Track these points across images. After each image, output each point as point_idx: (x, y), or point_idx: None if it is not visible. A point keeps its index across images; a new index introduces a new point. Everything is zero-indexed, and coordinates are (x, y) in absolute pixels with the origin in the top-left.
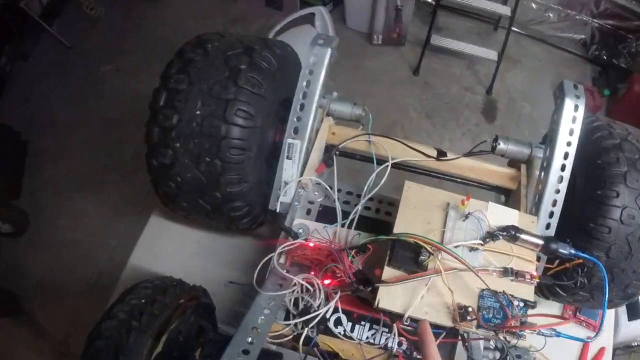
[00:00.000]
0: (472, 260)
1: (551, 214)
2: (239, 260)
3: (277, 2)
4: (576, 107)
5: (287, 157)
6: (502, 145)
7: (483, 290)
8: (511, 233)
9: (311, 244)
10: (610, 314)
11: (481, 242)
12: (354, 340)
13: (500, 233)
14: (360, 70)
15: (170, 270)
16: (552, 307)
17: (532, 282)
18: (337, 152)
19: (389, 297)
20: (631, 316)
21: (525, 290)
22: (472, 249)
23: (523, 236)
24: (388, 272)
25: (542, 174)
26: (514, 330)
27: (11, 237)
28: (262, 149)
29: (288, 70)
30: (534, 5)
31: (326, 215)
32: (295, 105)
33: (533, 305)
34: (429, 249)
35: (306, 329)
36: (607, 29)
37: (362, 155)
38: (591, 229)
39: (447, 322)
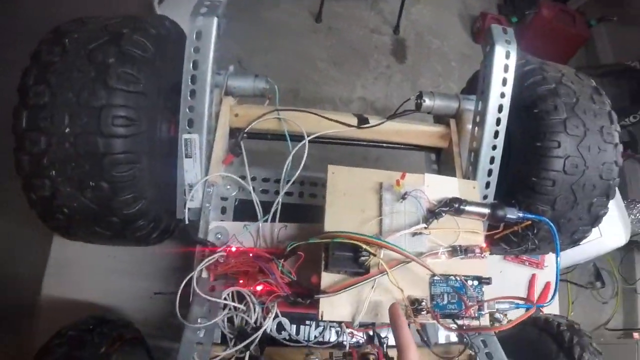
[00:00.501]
0: (418, 245)
1: (489, 172)
2: (160, 268)
3: None
4: (508, 54)
5: (186, 156)
6: (427, 102)
7: (434, 276)
8: (455, 207)
9: (233, 254)
10: None
11: (424, 224)
12: (302, 343)
13: (443, 209)
14: (259, 23)
15: (87, 293)
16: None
17: (482, 255)
18: (245, 136)
19: (333, 307)
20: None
21: (477, 266)
22: (415, 233)
23: (468, 208)
24: (327, 278)
25: (476, 129)
26: (471, 314)
27: None
28: (156, 153)
29: (171, 50)
30: None
31: (245, 210)
32: (184, 92)
33: (488, 281)
34: (369, 249)
35: (248, 352)
36: None
37: (274, 134)
38: (534, 183)
39: None
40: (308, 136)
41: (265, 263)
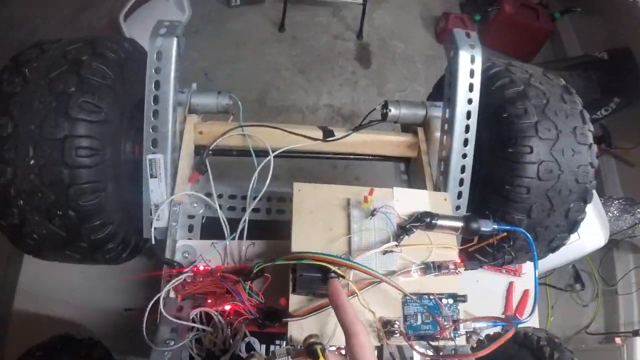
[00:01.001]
0: (389, 264)
1: (461, 182)
2: (131, 283)
3: None
4: (473, 59)
5: (151, 176)
6: (393, 111)
7: (406, 296)
8: (426, 221)
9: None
10: None
11: (395, 242)
12: None
13: (414, 225)
14: (224, 34)
15: (59, 309)
16: None
17: (457, 271)
18: (210, 154)
19: (302, 330)
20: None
21: (452, 283)
22: (386, 251)
23: (440, 222)
24: (295, 300)
25: (445, 137)
26: (447, 336)
27: None
28: (121, 176)
29: (133, 70)
30: None
31: (212, 227)
32: (147, 113)
33: (463, 299)
34: (337, 270)
35: None
36: None
37: (239, 150)
38: (508, 191)
39: (374, 342)
40: (273, 152)
41: (232, 285)
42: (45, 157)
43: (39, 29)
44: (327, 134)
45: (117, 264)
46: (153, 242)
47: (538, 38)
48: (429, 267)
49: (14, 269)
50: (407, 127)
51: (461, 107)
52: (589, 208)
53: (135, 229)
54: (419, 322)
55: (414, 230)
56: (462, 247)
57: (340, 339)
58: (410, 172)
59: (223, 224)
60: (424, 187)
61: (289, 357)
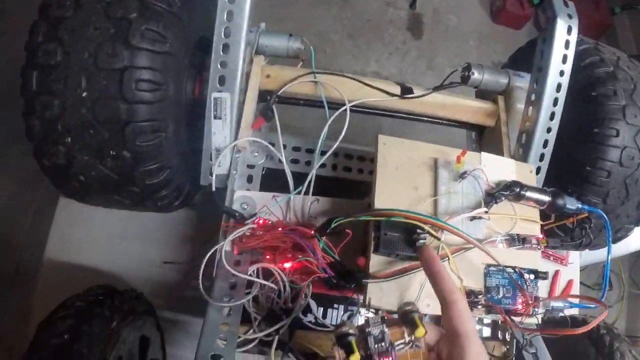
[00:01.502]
0: (475, 231)
1: (541, 157)
2: (170, 235)
3: None
4: (570, 30)
5: (215, 117)
6: (476, 75)
7: (489, 266)
8: (516, 191)
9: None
10: None
11: (485, 208)
12: (329, 328)
13: (503, 193)
14: None
15: (93, 259)
16: None
17: (539, 247)
18: (276, 100)
19: (382, 294)
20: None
21: (532, 258)
22: (473, 218)
23: (528, 194)
24: (376, 261)
25: (530, 109)
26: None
27: None
28: (181, 117)
29: (199, 0)
30: None
31: (270, 179)
32: (216, 47)
33: (545, 276)
34: (431, 230)
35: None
36: None
37: (306, 99)
38: (588, 173)
39: None
40: (349, 103)
41: (305, 240)
42: (100, 90)
43: None
44: (406, 90)
45: (167, 212)
46: (214, 189)
47: (595, 30)
48: (513, 239)
49: (45, 216)
50: (484, 95)
51: (552, 78)
52: None
53: (190, 177)
54: (500, 295)
55: (503, 198)
56: (542, 223)
57: (419, 307)
58: (483, 142)
59: (288, 176)
60: None
61: (384, 325)
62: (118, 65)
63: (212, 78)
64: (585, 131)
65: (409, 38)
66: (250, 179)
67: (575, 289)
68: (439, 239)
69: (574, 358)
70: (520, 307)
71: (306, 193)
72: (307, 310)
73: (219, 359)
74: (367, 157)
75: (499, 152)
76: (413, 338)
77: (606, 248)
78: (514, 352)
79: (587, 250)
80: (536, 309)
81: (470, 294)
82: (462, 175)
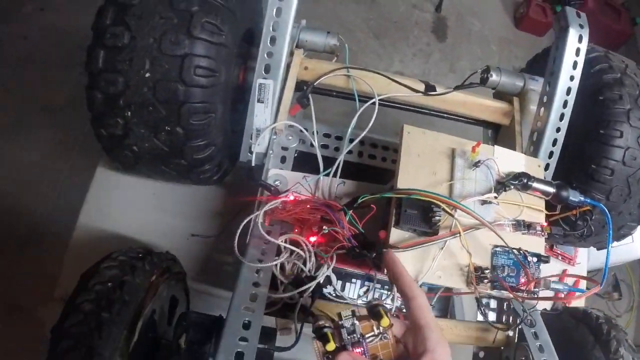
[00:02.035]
0: (485, 214)
1: (550, 154)
2: (199, 210)
3: None
4: (580, 38)
5: (259, 101)
6: (494, 77)
7: (496, 247)
8: (523, 181)
9: (296, 202)
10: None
11: (495, 194)
12: (346, 300)
13: (512, 182)
14: None
15: (125, 226)
16: None
17: (543, 234)
18: (312, 89)
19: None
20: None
21: (537, 244)
22: (484, 202)
23: (535, 184)
24: (396, 234)
25: (542, 110)
26: (531, 289)
27: None
28: (227, 100)
29: None
30: None
31: (301, 162)
32: (265, 38)
33: (547, 259)
34: (447, 208)
35: (301, 300)
36: None
37: (339, 91)
38: (593, 170)
39: (461, 286)
40: (377, 96)
41: (334, 212)
42: (162, 73)
43: None
44: (429, 88)
45: (205, 185)
46: (253, 164)
47: (615, 40)
48: (519, 225)
49: (80, 181)
50: (500, 96)
51: (563, 82)
52: None
53: (229, 154)
54: (505, 274)
55: (511, 187)
56: (547, 213)
57: (431, 278)
58: (498, 139)
59: (319, 159)
60: None
61: (355, 318)
62: (179, 52)
63: (258, 66)
64: (592, 132)
65: (433, 40)
66: (283, 160)
67: (582, 287)
68: (452, 216)
69: (573, 345)
70: (525, 284)
71: (334, 175)
72: (327, 282)
73: (251, 311)
74: (390, 147)
75: (512, 148)
76: (382, 330)
77: (612, 252)
78: (518, 322)
79: (594, 252)
80: (537, 289)
81: (477, 269)
82: (476, 164)
